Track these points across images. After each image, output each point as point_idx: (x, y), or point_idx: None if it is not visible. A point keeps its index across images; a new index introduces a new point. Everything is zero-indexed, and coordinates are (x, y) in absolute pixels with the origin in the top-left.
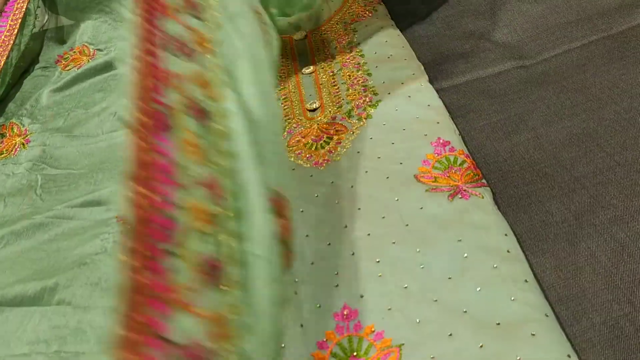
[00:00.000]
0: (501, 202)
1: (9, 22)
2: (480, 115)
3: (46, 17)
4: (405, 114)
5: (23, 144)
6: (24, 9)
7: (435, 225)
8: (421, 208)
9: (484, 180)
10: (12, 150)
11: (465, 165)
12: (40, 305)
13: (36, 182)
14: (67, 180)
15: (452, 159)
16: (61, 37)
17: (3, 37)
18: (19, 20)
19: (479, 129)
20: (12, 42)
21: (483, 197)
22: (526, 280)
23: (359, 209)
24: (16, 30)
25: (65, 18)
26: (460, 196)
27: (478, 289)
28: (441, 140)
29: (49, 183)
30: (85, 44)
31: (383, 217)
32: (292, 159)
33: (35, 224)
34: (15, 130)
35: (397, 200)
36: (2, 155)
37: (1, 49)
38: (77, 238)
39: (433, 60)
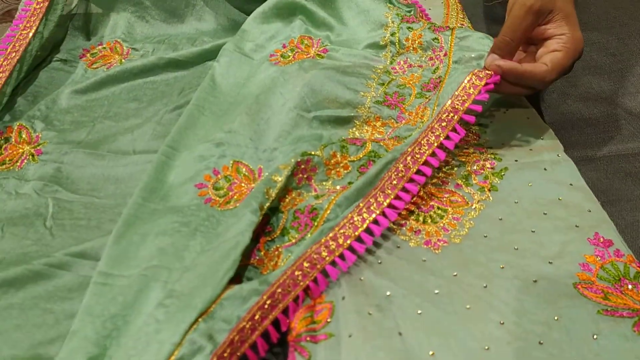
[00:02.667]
0: None
1: (34, 4)
2: (635, 206)
3: (75, 2)
4: (544, 193)
5: (32, 156)
6: None
7: None
8: (595, 337)
9: None
10: (17, 161)
11: None
12: None
13: (46, 210)
14: (86, 211)
15: (621, 267)
16: (89, 27)
17: (25, 22)
18: (46, 4)
19: (636, 224)
20: (34, 28)
21: None
22: None
23: (502, 323)
24: (42, 15)
25: (96, 6)
26: None
27: None
28: (601, 238)
29: (63, 212)
30: (118, 39)
31: (540, 343)
32: (395, 231)
33: (40, 271)
34: (24, 136)
35: (557, 319)
36: (3, 166)
37: (22, 36)
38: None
39: (556, 121)
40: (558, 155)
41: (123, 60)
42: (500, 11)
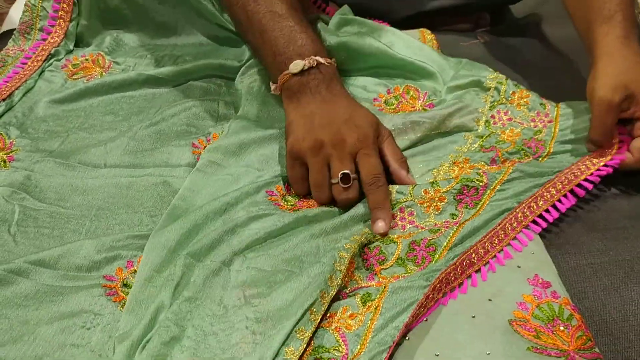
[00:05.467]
0: None
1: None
2: (579, 251)
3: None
4: None
5: (4, 162)
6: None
7: None
8: None
9: (596, 349)
10: None
11: (574, 323)
12: None
13: (12, 216)
14: (51, 220)
15: (556, 308)
16: (73, 38)
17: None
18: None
19: (578, 269)
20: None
21: None
22: None
23: (437, 355)
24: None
25: (84, 20)
26: None
27: None
28: (540, 280)
29: (28, 220)
30: (101, 52)
31: None
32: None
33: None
34: None
35: (489, 354)
36: None
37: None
38: (59, 305)
39: None
40: None
41: (104, 74)
42: (476, 51)
